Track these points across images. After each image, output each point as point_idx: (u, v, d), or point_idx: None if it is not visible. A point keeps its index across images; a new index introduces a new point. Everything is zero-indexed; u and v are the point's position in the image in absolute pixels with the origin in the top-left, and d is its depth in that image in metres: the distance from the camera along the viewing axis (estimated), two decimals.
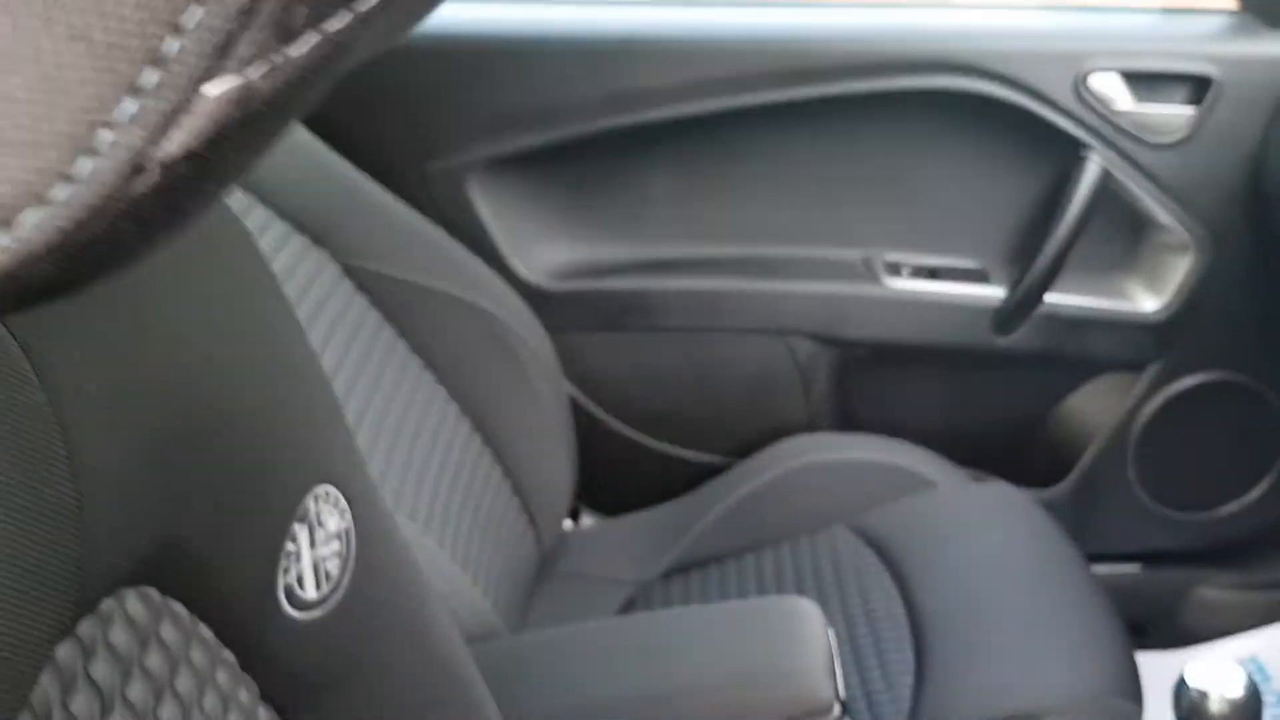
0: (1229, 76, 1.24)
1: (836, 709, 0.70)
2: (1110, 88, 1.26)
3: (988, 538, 1.12)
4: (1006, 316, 1.35)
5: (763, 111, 1.29)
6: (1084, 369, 1.41)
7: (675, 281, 1.38)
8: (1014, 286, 1.34)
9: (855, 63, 1.27)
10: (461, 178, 1.32)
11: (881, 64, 1.27)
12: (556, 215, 1.38)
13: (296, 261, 0.99)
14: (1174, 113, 1.27)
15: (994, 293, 1.36)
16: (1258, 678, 1.38)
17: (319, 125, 1.07)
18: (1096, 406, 1.42)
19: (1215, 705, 0.66)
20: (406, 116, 1.31)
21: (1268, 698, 1.35)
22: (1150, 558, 1.48)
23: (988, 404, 1.43)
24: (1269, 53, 1.25)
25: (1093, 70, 1.25)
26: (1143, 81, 1.27)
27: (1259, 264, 1.30)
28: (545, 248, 1.39)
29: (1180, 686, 0.67)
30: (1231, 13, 1.31)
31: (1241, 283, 1.32)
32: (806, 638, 0.75)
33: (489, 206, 1.34)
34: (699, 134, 1.32)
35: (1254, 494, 1.45)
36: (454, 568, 0.91)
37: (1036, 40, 1.29)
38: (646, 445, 1.42)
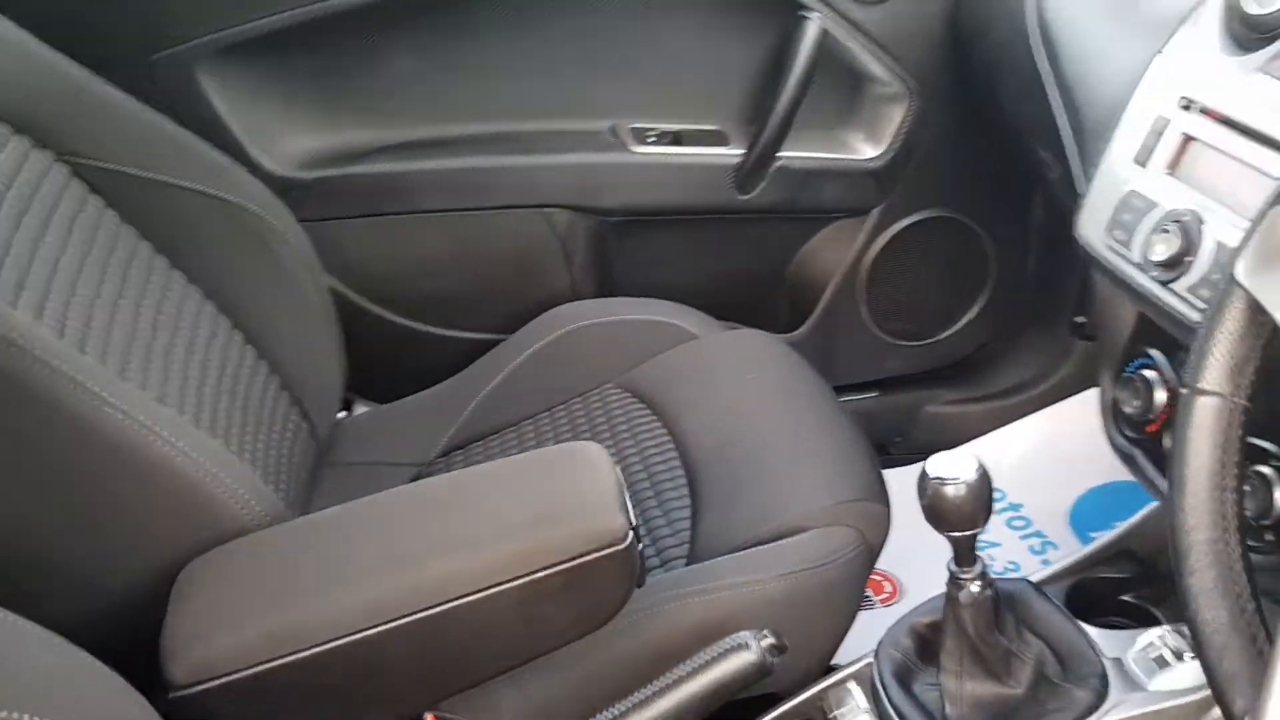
0: None
1: (630, 536, 0.77)
2: None
3: (744, 379, 1.21)
4: (746, 174, 1.43)
5: None
6: (817, 218, 1.52)
7: (429, 163, 1.38)
8: (750, 145, 1.42)
9: None
10: (191, 67, 1.26)
11: None
12: (298, 102, 1.35)
13: (18, 164, 0.93)
14: None
15: (733, 153, 1.43)
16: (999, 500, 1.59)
17: (33, 22, 1.00)
18: (829, 252, 1.55)
19: (951, 488, 0.76)
20: (126, 5, 1.23)
21: (998, 504, 1.55)
22: (886, 384, 1.64)
23: (735, 258, 1.53)
24: None
25: None
26: None
27: (961, 107, 1.44)
28: (289, 136, 1.35)
29: (923, 477, 0.78)
30: None
31: (948, 126, 1.46)
32: (595, 475, 0.81)
33: (223, 97, 1.29)
34: (439, 12, 1.31)
35: (966, 318, 1.63)
36: (231, 457, 0.91)
37: None
38: (414, 329, 1.44)
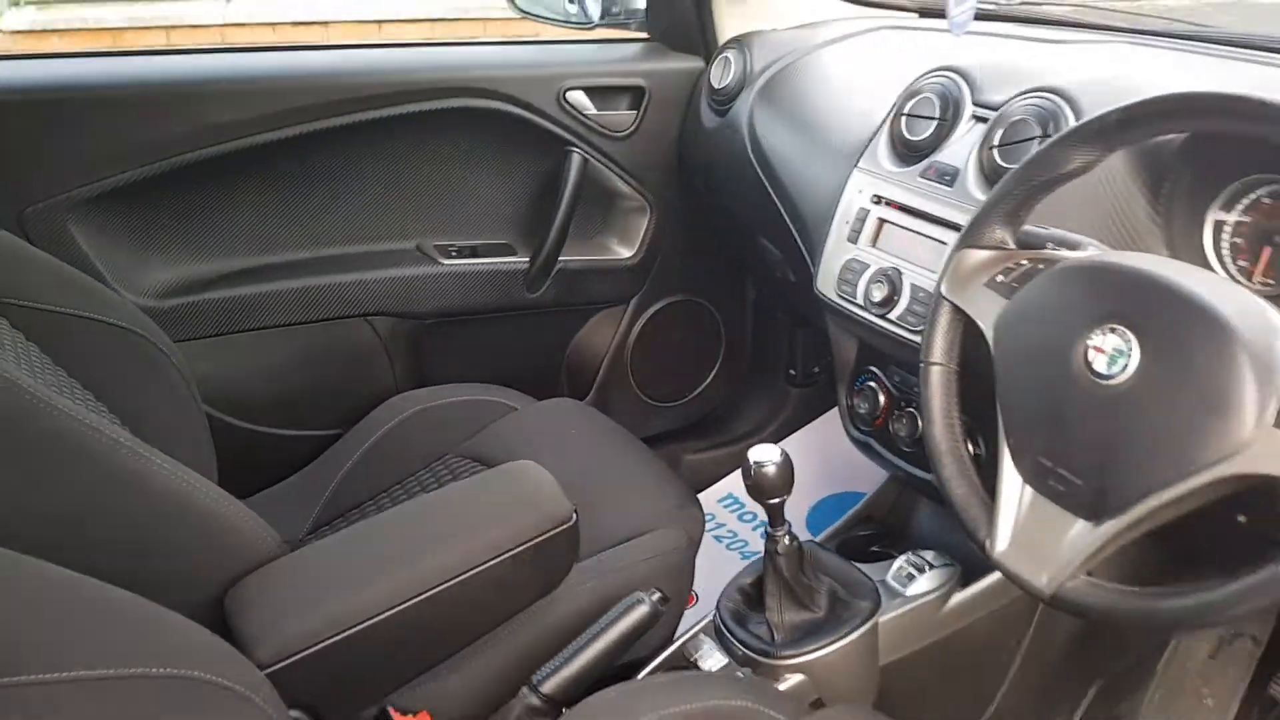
0: (654, 86, 1.76)
1: (574, 517, 1.07)
2: (580, 100, 1.72)
3: (567, 434, 1.51)
4: (533, 277, 1.77)
5: (327, 135, 1.56)
6: (590, 308, 1.87)
7: (267, 285, 1.60)
8: (535, 253, 1.76)
9: (397, 90, 1.58)
10: (61, 218, 1.43)
11: (417, 91, 1.60)
12: (153, 241, 1.54)
13: None
14: (623, 114, 1.76)
15: (521, 260, 1.76)
16: (733, 507, 1.98)
17: None
18: (600, 334, 1.90)
19: (769, 468, 1.11)
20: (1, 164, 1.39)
21: (744, 517, 1.94)
22: (652, 440, 2.00)
23: (527, 345, 1.85)
24: (676, 68, 1.78)
25: (568, 88, 1.70)
26: (600, 93, 1.74)
27: (690, 215, 1.85)
28: (146, 271, 1.53)
29: (746, 463, 1.11)
30: (646, 40, 1.83)
31: (681, 230, 1.87)
32: (539, 477, 1.10)
33: (90, 242, 1.46)
34: (275, 158, 1.56)
35: (707, 380, 2.03)
36: (237, 501, 1.09)
37: (528, 68, 1.70)
38: (265, 432, 1.63)
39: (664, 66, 1.79)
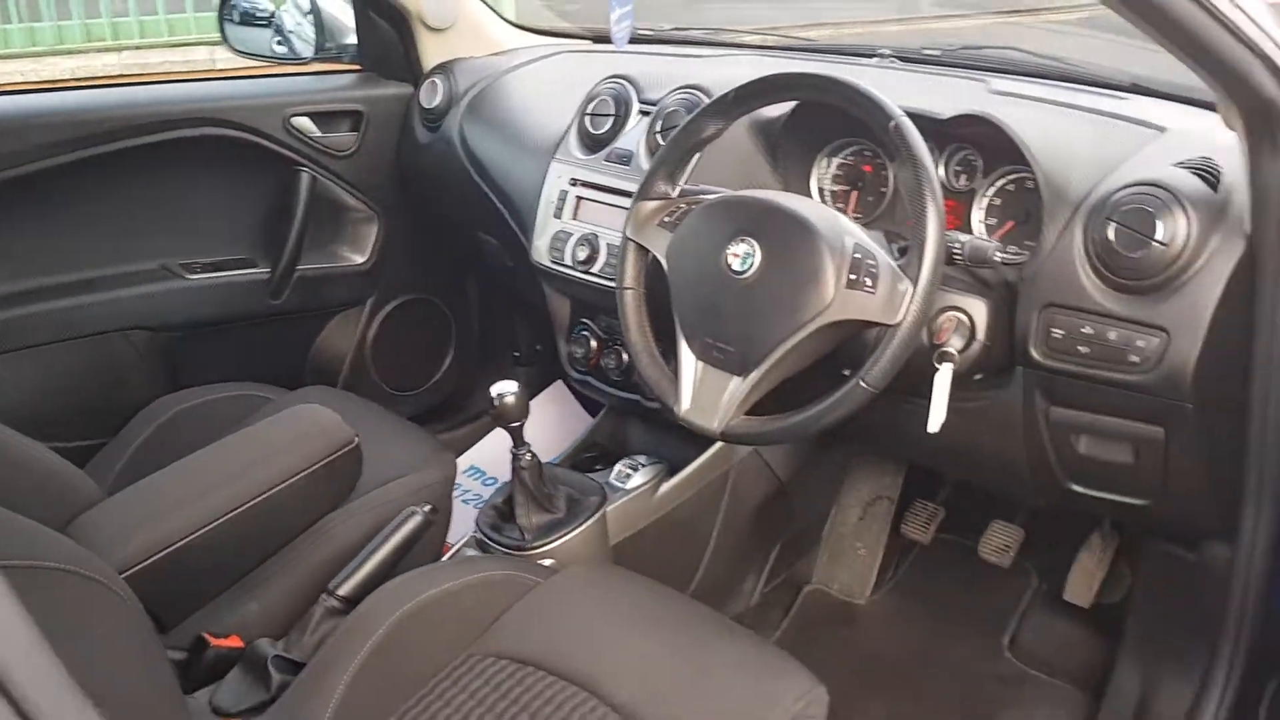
0: (371, 110, 2.01)
1: (355, 440, 1.31)
2: (305, 125, 1.94)
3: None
4: (275, 286, 1.97)
5: (75, 166, 1.71)
6: (329, 311, 2.09)
7: (27, 308, 1.72)
8: (275, 265, 1.96)
9: (139, 124, 1.75)
10: None
11: (157, 123, 1.77)
12: None
13: None
14: (345, 136, 2.00)
15: (263, 271, 1.96)
16: (476, 476, 2.24)
17: None
18: (341, 334, 2.12)
19: (508, 398, 1.38)
20: None
21: (487, 483, 2.20)
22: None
23: (275, 347, 2.04)
24: (389, 93, 2.04)
25: (293, 115, 1.92)
26: (323, 118, 1.97)
27: (415, 221, 2.11)
28: None
29: (491, 395, 1.39)
30: (360, 71, 2.08)
31: (408, 235, 2.12)
32: (322, 413, 1.34)
33: None
34: (25, 190, 1.69)
35: (442, 368, 2.29)
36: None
37: (256, 98, 1.90)
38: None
39: (378, 92, 2.04)
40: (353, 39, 2.06)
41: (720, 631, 1.21)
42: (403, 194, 2.08)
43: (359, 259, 2.08)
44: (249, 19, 2.01)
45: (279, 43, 2.05)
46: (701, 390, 1.20)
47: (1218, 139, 1.19)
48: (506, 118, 1.82)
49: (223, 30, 2.00)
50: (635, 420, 1.73)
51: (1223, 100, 1.05)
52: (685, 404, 1.22)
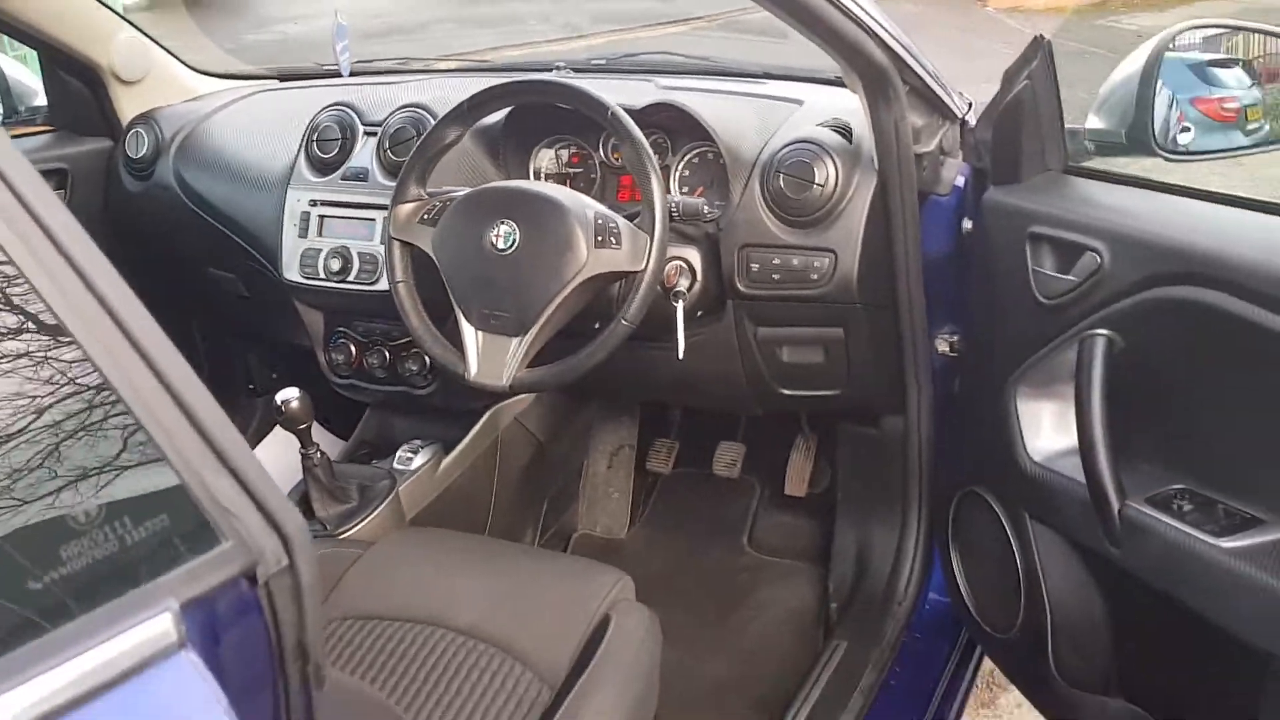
0: (74, 168, 2.03)
1: None
2: None
3: None
4: None
5: None
6: None
7: None
8: None
9: None
10: None
11: None
12: None
13: None
14: None
15: None
16: None
17: None
18: None
19: (293, 403, 1.52)
20: None
21: None
22: None
23: None
24: (89, 149, 2.07)
25: None
26: None
27: (127, 276, 2.14)
28: None
29: (277, 401, 1.52)
30: (53, 130, 2.09)
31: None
32: None
33: None
34: None
35: None
36: None
37: None
38: None
39: (77, 150, 2.06)
40: (42, 100, 2.08)
41: (532, 555, 1.42)
42: (118, 246, 2.11)
43: None
44: None
45: None
46: (485, 354, 1.41)
47: (844, 103, 1.55)
48: (226, 156, 1.92)
49: None
50: (399, 415, 1.90)
51: (846, 70, 1.40)
52: (474, 369, 1.42)
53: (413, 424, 1.88)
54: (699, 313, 1.57)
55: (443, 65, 2.08)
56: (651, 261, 1.36)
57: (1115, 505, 1.13)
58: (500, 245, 1.39)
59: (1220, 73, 1.55)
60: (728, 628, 1.77)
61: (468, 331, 1.42)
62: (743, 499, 2.06)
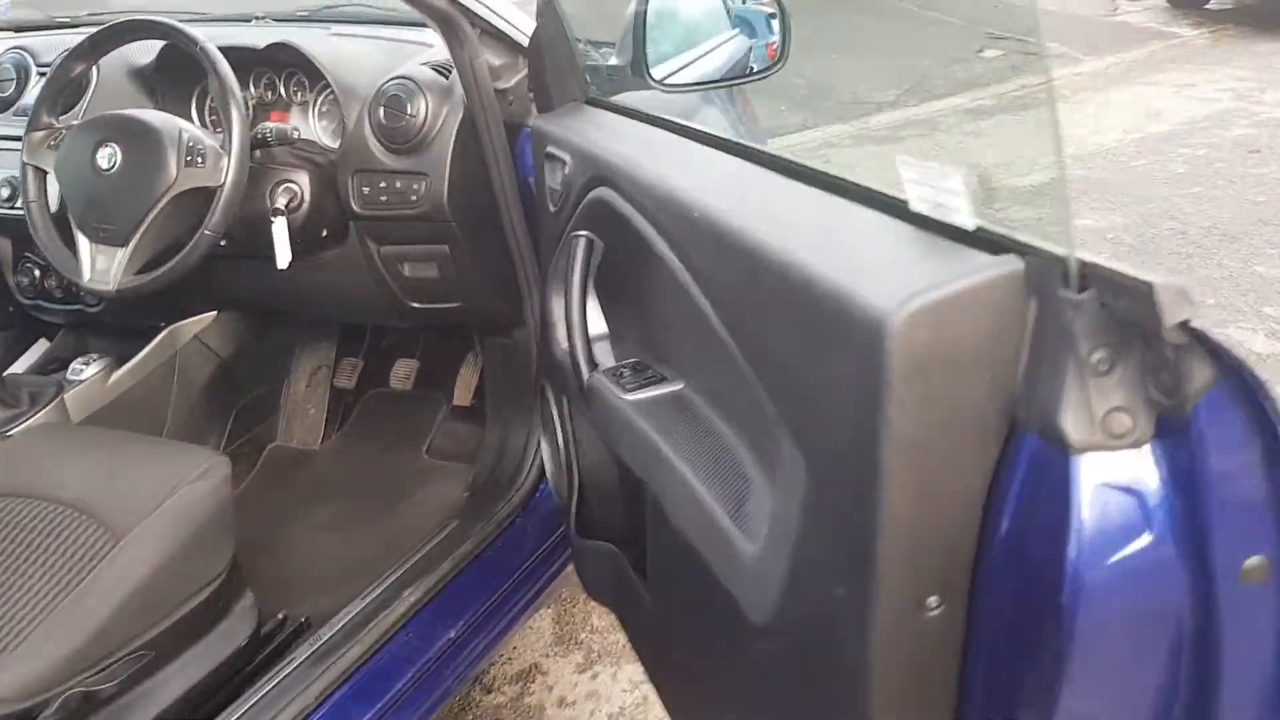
0: None
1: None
2: None
3: None
4: None
5: None
6: None
7: None
8: None
9: None
10: None
11: None
12: None
13: None
14: None
15: None
16: None
17: None
18: None
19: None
20: None
21: None
22: None
23: None
24: None
25: None
26: None
27: None
28: None
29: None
30: None
31: None
32: None
33: None
34: None
35: None
36: None
37: None
38: None
39: None
40: None
41: (142, 443, 1.61)
42: None
43: None
44: None
45: None
46: (96, 263, 1.59)
47: None
48: None
49: None
50: (92, 335, 2.07)
51: (423, 17, 1.60)
52: (86, 275, 1.60)
53: (106, 344, 2.05)
54: (324, 233, 1.77)
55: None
56: (230, 176, 1.55)
57: (586, 376, 1.35)
58: (104, 165, 1.57)
59: (774, 22, 1.79)
60: (386, 520, 1.97)
61: (82, 243, 1.60)
62: (427, 414, 2.26)
